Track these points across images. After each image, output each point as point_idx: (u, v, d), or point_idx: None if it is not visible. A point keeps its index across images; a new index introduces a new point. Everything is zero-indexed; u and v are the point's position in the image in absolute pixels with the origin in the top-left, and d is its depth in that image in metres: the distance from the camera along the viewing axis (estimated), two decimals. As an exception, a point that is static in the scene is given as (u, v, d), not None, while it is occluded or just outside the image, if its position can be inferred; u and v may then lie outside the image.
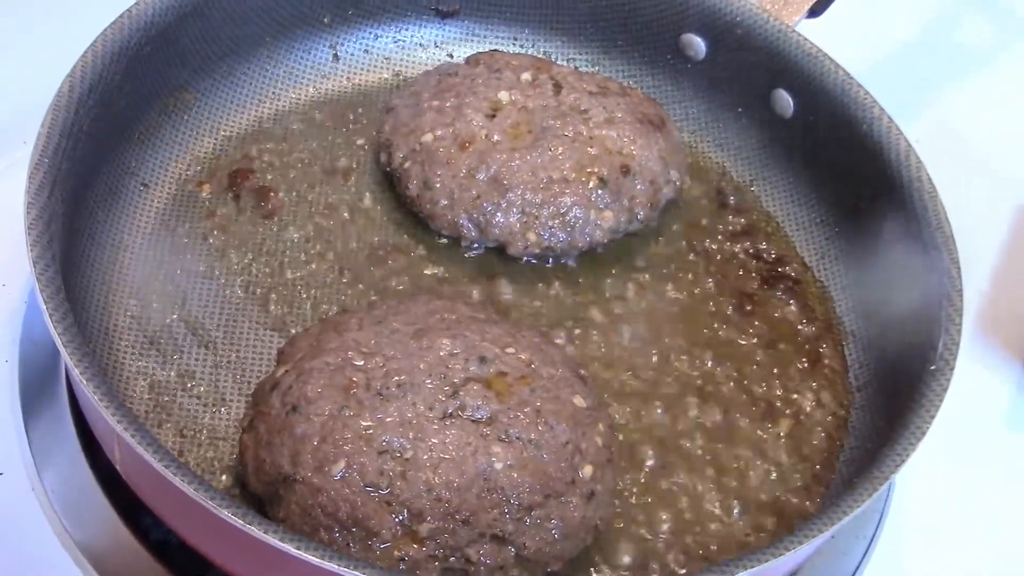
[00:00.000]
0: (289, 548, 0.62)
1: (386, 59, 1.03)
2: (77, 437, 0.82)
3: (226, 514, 0.63)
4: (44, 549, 0.79)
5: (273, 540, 0.62)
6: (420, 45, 1.05)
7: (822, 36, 0.97)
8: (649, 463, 0.82)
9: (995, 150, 1.17)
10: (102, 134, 0.84)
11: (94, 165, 0.85)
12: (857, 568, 0.84)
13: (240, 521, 0.63)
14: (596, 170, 0.90)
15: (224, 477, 0.78)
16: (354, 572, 0.62)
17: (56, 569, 0.79)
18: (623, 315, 0.89)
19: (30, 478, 0.82)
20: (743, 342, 0.89)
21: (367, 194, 0.94)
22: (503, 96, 0.93)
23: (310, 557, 0.62)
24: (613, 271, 0.92)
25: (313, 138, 0.97)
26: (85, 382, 0.67)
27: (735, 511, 0.80)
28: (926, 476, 0.91)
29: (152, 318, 0.84)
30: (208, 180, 0.93)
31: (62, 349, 0.68)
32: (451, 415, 0.73)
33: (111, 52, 0.84)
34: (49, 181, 0.76)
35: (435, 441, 0.71)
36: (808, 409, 0.86)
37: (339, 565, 0.62)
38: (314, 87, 1.01)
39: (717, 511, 0.80)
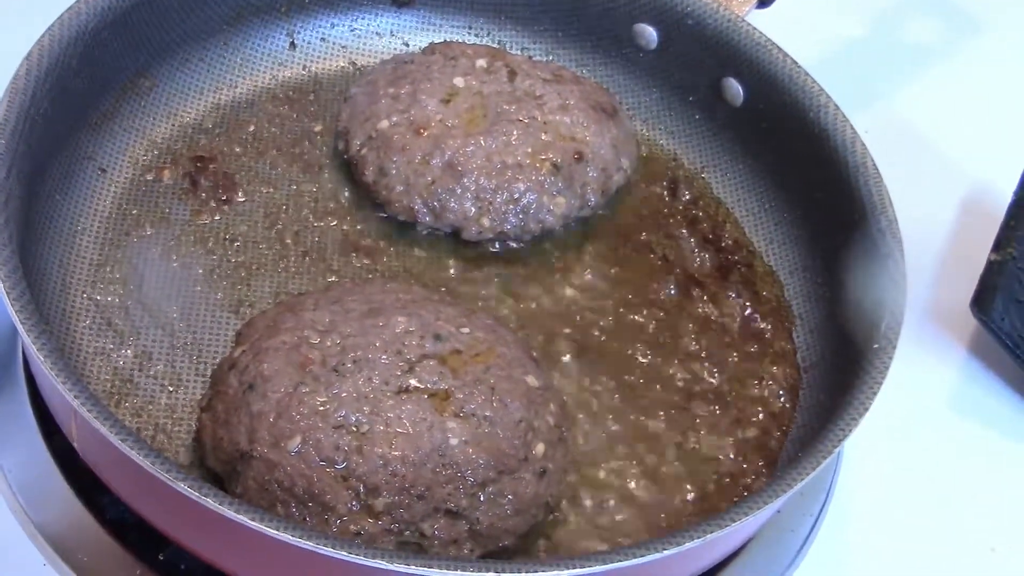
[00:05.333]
0: (245, 519, 0.63)
1: (343, 47, 1.04)
2: (35, 419, 0.83)
3: (182, 486, 0.63)
4: (1, 529, 0.80)
5: (228, 512, 0.63)
6: (376, 34, 1.06)
7: (772, 29, 0.98)
8: (592, 445, 0.83)
9: (942, 143, 1.19)
10: (59, 118, 0.85)
11: (51, 149, 0.85)
12: (804, 543, 0.86)
13: (196, 493, 0.63)
14: (550, 156, 0.91)
15: (181, 456, 0.78)
16: (309, 543, 0.63)
17: (13, 549, 0.79)
18: (573, 301, 0.90)
19: (-13, 460, 0.83)
20: (692, 326, 0.91)
21: (324, 181, 0.95)
22: (458, 82, 0.94)
23: (265, 528, 0.63)
24: (564, 256, 0.93)
25: (271, 125, 0.98)
26: (43, 358, 0.67)
27: (679, 490, 0.81)
28: (873, 456, 0.93)
29: (109, 300, 0.84)
30: (166, 165, 0.93)
31: (19, 326, 0.69)
32: (407, 390, 0.74)
33: (68, 36, 0.84)
34: (6, 163, 0.77)
35: (391, 415, 0.73)
36: (756, 390, 0.88)
37: (294, 536, 0.63)
38: (271, 74, 1.01)
39: (664, 491, 0.81)
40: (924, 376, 1.00)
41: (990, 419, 0.99)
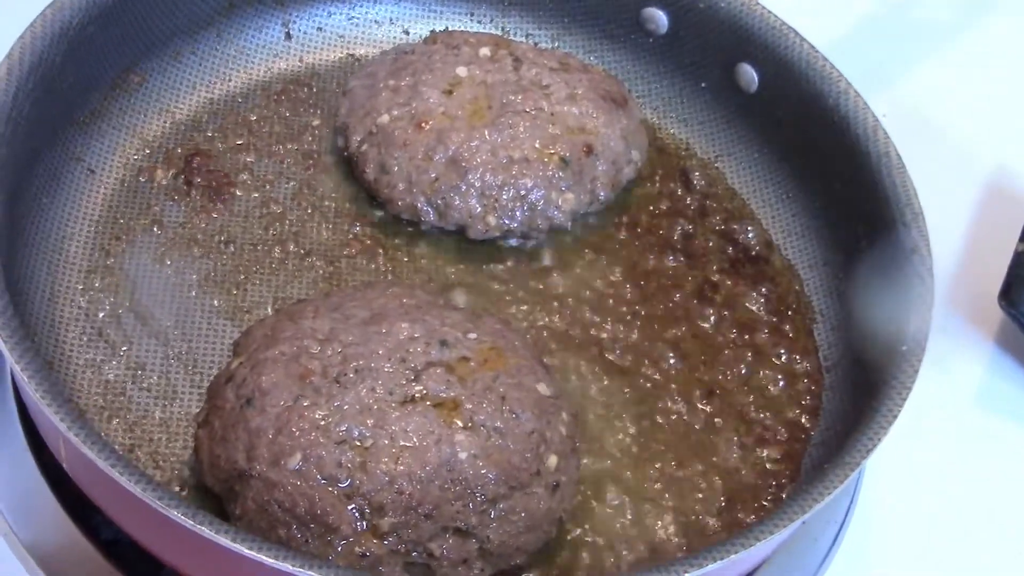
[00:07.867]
0: (242, 549, 0.60)
1: (340, 37, 1.01)
2: (23, 434, 0.80)
3: (176, 514, 0.61)
4: (-10, 549, 0.77)
5: (224, 540, 0.60)
6: (375, 22, 1.02)
7: (784, 10, 0.95)
8: (607, 453, 0.80)
9: (960, 126, 1.16)
10: (44, 118, 0.82)
11: (36, 150, 0.82)
12: (828, 553, 0.83)
13: (190, 521, 0.60)
14: (558, 150, 0.88)
15: (177, 473, 0.75)
16: (309, 572, 0.60)
17: (3, 570, 0.76)
18: (583, 302, 0.87)
19: (-26, 477, 0.79)
20: (709, 322, 0.87)
21: (323, 179, 0.91)
22: (461, 71, 0.91)
23: (263, 558, 0.60)
24: (573, 254, 0.90)
25: (266, 120, 0.94)
26: (27, 379, 0.64)
27: (700, 499, 0.78)
28: (897, 457, 0.89)
29: (100, 308, 0.81)
30: (159, 165, 0.90)
31: (3, 344, 0.66)
32: (412, 399, 0.71)
33: (52, 33, 0.81)
34: (-12, 167, 0.74)
35: (396, 428, 0.69)
36: (777, 391, 0.84)
37: (293, 565, 0.60)
38: (266, 67, 0.98)
39: (683, 500, 0.78)
40: (950, 372, 0.97)
41: (1020, 415, 0.95)
